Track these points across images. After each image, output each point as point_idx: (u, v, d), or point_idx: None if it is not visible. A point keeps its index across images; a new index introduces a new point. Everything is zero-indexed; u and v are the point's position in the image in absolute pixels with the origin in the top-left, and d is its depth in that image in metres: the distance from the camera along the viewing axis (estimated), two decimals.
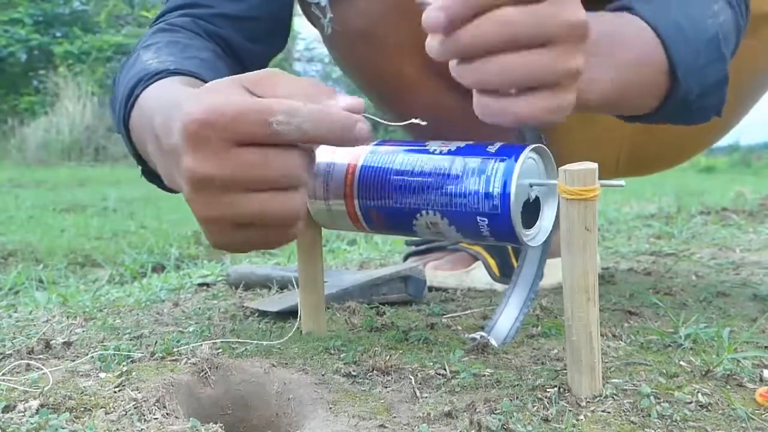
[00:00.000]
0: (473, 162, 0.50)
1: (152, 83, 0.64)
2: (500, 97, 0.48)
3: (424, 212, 0.52)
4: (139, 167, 0.71)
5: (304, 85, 0.49)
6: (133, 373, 0.55)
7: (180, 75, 0.65)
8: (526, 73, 0.46)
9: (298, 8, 0.87)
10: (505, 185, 0.48)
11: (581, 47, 0.48)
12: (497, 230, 0.50)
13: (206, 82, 0.66)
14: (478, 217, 0.50)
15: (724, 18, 0.65)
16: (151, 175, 0.69)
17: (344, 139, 0.48)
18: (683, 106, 0.64)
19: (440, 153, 0.52)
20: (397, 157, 0.54)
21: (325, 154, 0.58)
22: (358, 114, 0.48)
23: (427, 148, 0.53)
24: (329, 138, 0.48)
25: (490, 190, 0.49)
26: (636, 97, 0.62)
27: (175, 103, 0.52)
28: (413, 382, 0.54)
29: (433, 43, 0.47)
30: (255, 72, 0.50)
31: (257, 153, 0.47)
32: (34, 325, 0.75)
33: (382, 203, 0.54)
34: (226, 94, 0.48)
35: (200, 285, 1.03)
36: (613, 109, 0.62)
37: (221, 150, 0.46)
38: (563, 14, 0.46)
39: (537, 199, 0.52)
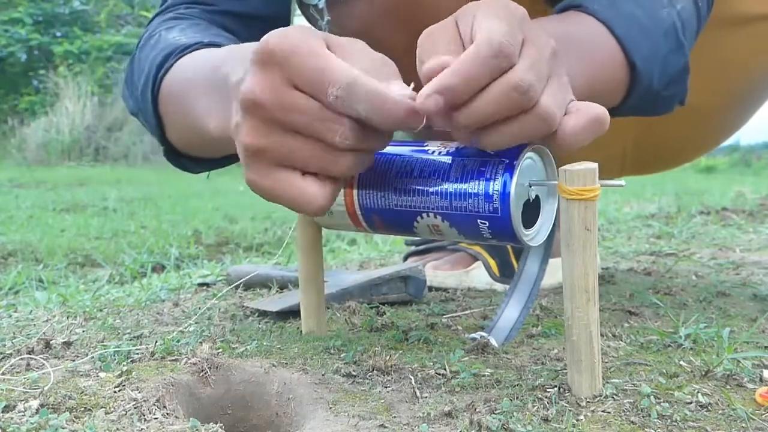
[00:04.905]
0: (472, 163, 0.50)
1: (187, 53, 0.62)
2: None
3: (424, 215, 0.52)
4: (162, 147, 0.69)
5: (376, 59, 0.48)
6: (133, 373, 0.55)
7: (215, 47, 0.64)
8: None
9: (296, 8, 0.87)
10: (505, 186, 0.48)
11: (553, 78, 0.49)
12: (497, 231, 0.50)
13: None
14: (478, 219, 0.50)
15: (682, 5, 0.66)
16: (174, 155, 0.67)
17: (394, 126, 0.47)
18: (648, 97, 0.65)
19: (439, 154, 0.52)
20: (397, 159, 0.54)
21: None
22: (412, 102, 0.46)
23: (426, 149, 0.53)
24: (381, 124, 0.47)
25: (490, 191, 0.49)
26: (601, 92, 0.62)
27: (237, 50, 0.52)
28: (413, 382, 0.54)
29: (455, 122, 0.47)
30: (337, 36, 0.49)
31: (311, 111, 0.46)
32: (34, 324, 0.75)
33: (382, 205, 0.54)
34: (307, 37, 0.47)
35: (200, 285, 1.03)
36: None
37: (280, 85, 0.46)
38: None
39: (537, 198, 0.52)
